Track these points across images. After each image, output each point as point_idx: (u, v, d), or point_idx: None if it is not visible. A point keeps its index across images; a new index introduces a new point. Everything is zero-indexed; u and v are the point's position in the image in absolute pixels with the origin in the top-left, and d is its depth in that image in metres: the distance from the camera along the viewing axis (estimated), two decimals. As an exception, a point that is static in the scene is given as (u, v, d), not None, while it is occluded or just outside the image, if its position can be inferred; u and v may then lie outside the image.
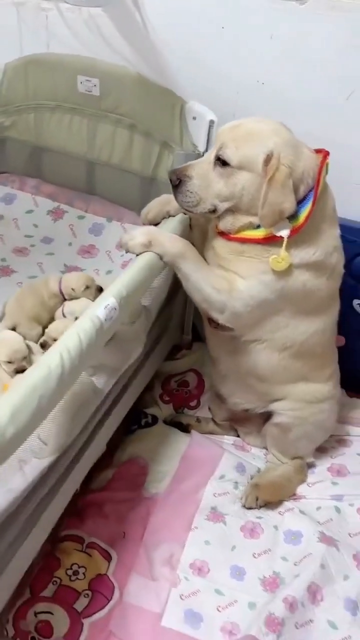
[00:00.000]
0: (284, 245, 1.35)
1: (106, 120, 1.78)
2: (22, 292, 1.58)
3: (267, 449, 1.79)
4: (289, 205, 1.31)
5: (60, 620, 1.33)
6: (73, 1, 1.72)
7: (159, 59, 1.59)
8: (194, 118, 1.61)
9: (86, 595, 1.39)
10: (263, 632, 1.29)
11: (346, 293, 1.87)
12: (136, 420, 1.86)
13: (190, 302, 1.79)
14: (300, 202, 1.35)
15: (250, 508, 1.62)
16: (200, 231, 1.57)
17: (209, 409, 1.90)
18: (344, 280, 1.84)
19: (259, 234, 1.38)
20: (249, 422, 1.81)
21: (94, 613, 1.35)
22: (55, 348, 1.03)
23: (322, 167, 1.34)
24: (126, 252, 1.41)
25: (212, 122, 1.58)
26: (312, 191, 1.33)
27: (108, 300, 1.18)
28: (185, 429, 1.85)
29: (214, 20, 1.63)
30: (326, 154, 1.37)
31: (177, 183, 1.40)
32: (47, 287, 1.60)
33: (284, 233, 1.34)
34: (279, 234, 1.35)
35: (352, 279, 1.86)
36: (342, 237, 1.77)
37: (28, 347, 1.46)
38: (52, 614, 1.34)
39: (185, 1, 1.63)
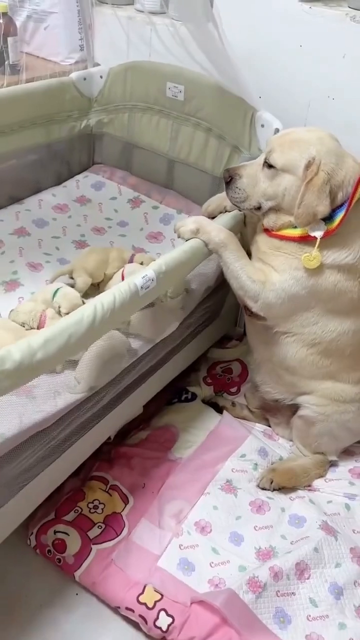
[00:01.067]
0: (316, 244, 1.47)
1: (187, 123, 1.99)
2: (93, 249, 1.81)
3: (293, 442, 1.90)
4: (323, 208, 1.43)
5: (74, 541, 1.54)
6: (178, 17, 1.99)
7: (237, 71, 1.77)
8: (262, 126, 1.77)
9: (100, 527, 1.59)
10: (243, 589, 1.41)
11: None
12: (177, 395, 2.04)
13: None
14: (337, 208, 1.46)
15: (263, 489, 1.74)
16: (252, 229, 1.72)
17: (244, 396, 2.04)
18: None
19: (296, 232, 1.51)
20: (279, 412, 1.92)
21: (103, 542, 1.55)
22: (93, 301, 1.25)
23: (362, 177, 1.44)
24: (178, 237, 1.61)
25: (277, 130, 1.73)
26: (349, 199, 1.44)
27: (147, 272, 1.38)
28: (220, 410, 1.99)
29: (293, 37, 1.77)
30: (371, 166, 1.47)
31: (229, 180, 1.57)
32: (120, 254, 1.80)
33: (318, 234, 1.47)
34: (313, 234, 1.47)
35: None
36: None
37: (83, 302, 1.68)
38: (68, 534, 1.56)
39: (266, 22, 1.79)
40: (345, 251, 1.50)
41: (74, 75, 2.07)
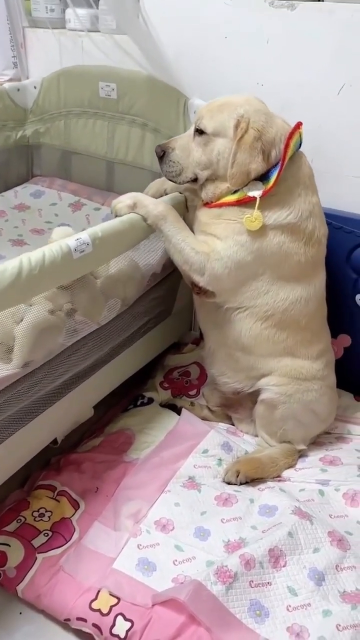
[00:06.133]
0: (256, 205, 1.44)
1: (122, 122, 2.00)
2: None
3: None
4: (256, 165, 1.40)
5: (15, 552, 1.35)
6: (104, 30, 2.05)
7: (168, 64, 1.81)
8: (195, 112, 1.78)
9: (46, 535, 1.40)
10: (211, 580, 1.23)
11: (348, 288, 1.90)
12: (133, 402, 1.90)
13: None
14: (272, 167, 1.44)
15: (229, 483, 1.59)
16: (194, 212, 1.68)
17: (203, 394, 1.92)
18: (345, 276, 1.89)
19: (234, 197, 1.48)
20: (240, 407, 1.80)
21: (50, 550, 1.36)
22: (20, 255, 1.16)
23: (293, 133, 1.43)
24: (115, 216, 1.54)
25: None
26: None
27: (82, 235, 1.31)
28: (178, 411, 1.86)
29: (218, 30, 1.82)
30: (299, 124, 1.47)
31: (162, 155, 1.55)
32: None
33: (256, 193, 1.44)
34: (250, 194, 1.44)
35: (354, 272, 1.87)
36: (340, 228, 1.84)
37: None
38: (9, 545, 1.36)
39: (192, 16, 1.85)
40: (285, 210, 1.47)
41: (7, 85, 2.08)
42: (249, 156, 1.40)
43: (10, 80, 2.20)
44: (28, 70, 2.19)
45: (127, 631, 1.18)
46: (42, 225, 1.97)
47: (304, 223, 1.49)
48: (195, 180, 1.55)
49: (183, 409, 1.82)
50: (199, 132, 1.49)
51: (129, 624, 1.19)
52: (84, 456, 1.65)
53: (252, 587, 1.26)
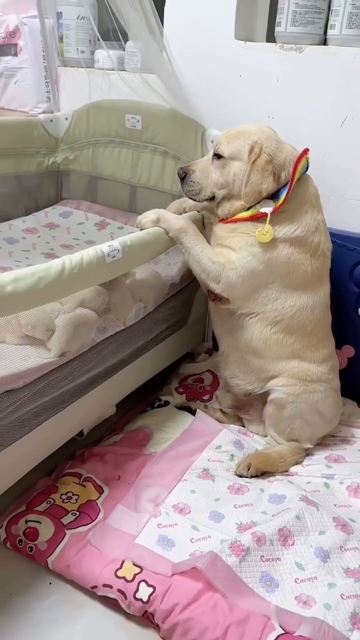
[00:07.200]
0: (267, 220, 1.61)
1: (146, 150, 2.20)
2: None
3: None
4: (267, 185, 1.59)
5: (46, 528, 1.47)
6: (129, 69, 2.28)
7: (188, 98, 2.02)
8: (212, 141, 1.98)
9: (73, 514, 1.52)
10: (226, 552, 1.35)
11: (351, 302, 2.06)
12: (150, 404, 2.04)
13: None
14: (282, 187, 1.62)
15: (241, 476, 1.71)
16: (211, 229, 1.86)
17: (216, 396, 2.05)
18: (348, 290, 2.05)
19: (247, 213, 1.66)
20: (251, 408, 1.93)
21: (78, 527, 1.48)
22: (61, 258, 1.33)
23: (301, 157, 1.62)
24: (140, 229, 1.72)
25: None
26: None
27: (113, 242, 1.48)
28: (193, 413, 1.99)
29: (234, 69, 2.04)
30: (306, 150, 1.66)
31: (183, 176, 1.74)
32: None
33: (267, 210, 1.62)
34: (262, 210, 1.62)
35: (356, 286, 2.03)
36: (344, 246, 2.01)
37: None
38: (40, 522, 1.48)
39: (211, 55, 2.08)
40: (294, 225, 1.64)
41: (41, 116, 2.30)
42: (261, 177, 1.59)
43: (44, 112, 2.43)
44: (59, 104, 2.42)
45: (150, 595, 1.30)
46: (71, 241, 2.16)
47: (310, 237, 1.66)
48: (212, 198, 1.73)
49: (197, 410, 1.96)
50: (217, 156, 1.68)
51: (151, 590, 1.31)
52: (107, 449, 1.78)
53: (262, 561, 1.38)
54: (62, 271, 1.30)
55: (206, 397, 2.11)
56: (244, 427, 1.98)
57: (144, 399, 2.08)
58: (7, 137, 2.18)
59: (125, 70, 2.30)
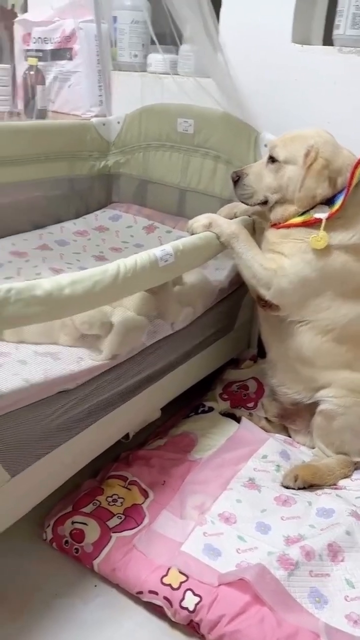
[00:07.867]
0: (322, 226, 1.58)
1: (196, 154, 2.20)
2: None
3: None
4: (321, 190, 1.56)
5: (92, 530, 1.47)
6: (182, 73, 2.28)
7: (242, 102, 2.00)
8: (265, 145, 1.96)
9: (119, 517, 1.52)
10: (274, 565, 1.32)
11: None
12: (194, 410, 2.03)
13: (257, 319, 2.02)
14: (339, 193, 1.58)
15: (287, 487, 1.68)
16: (262, 234, 1.83)
17: (262, 404, 2.02)
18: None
19: (300, 218, 1.62)
20: (298, 418, 1.89)
21: (123, 531, 1.48)
22: (117, 261, 1.34)
23: (359, 163, 1.58)
24: (191, 234, 1.71)
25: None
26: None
27: (166, 247, 1.48)
28: (238, 420, 1.97)
29: (290, 72, 2.02)
30: (365, 155, 1.62)
31: (237, 179, 1.72)
32: None
33: (322, 215, 1.58)
34: (316, 215, 1.58)
35: None
36: None
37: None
38: (86, 524, 1.48)
39: (267, 58, 2.05)
40: (350, 232, 1.60)
41: (94, 120, 2.32)
42: (316, 182, 1.55)
43: (96, 116, 2.45)
44: (112, 108, 2.44)
45: (196, 605, 1.28)
46: (119, 244, 2.17)
47: (367, 245, 1.61)
48: (265, 202, 1.71)
49: (242, 418, 1.93)
50: (272, 159, 1.66)
51: (197, 599, 1.29)
52: (152, 453, 1.77)
53: (311, 577, 1.34)
54: (117, 275, 1.30)
55: (250, 405, 2.08)
56: (289, 437, 1.94)
57: (188, 404, 2.07)
58: (61, 140, 2.21)
59: (178, 74, 2.30)
